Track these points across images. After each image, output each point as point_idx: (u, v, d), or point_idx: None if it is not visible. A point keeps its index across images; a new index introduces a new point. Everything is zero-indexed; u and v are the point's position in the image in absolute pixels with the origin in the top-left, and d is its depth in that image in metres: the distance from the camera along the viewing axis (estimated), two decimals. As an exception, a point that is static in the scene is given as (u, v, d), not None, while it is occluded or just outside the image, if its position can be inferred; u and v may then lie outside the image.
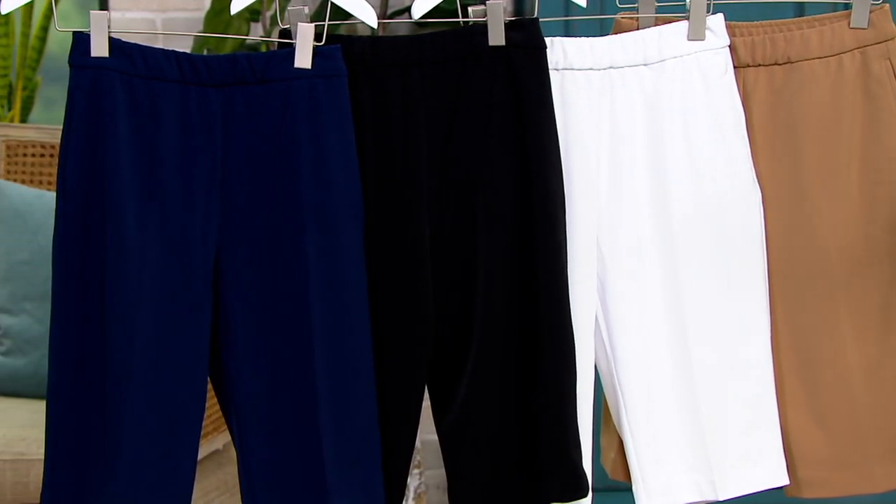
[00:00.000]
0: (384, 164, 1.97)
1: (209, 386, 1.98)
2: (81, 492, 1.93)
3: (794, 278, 2.07)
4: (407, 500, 3.23)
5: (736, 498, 2.07)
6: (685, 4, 2.04)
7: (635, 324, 2.04)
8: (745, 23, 2.09)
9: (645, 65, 2.04)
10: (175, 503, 1.95)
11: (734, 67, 2.06)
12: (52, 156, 3.28)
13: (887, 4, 2.09)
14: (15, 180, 3.27)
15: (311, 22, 1.95)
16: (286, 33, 1.96)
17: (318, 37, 1.94)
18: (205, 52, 3.26)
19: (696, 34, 2.04)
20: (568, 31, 3.23)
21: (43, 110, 3.76)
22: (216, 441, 3.01)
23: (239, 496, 2.00)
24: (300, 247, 1.93)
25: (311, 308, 1.93)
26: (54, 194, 1.95)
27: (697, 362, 2.04)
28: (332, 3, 1.97)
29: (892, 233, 2.08)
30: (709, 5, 2.04)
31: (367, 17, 1.99)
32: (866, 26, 2.07)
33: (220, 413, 2.04)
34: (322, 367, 1.93)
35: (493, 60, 1.97)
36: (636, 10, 2.07)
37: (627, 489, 2.08)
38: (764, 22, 2.10)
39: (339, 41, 1.97)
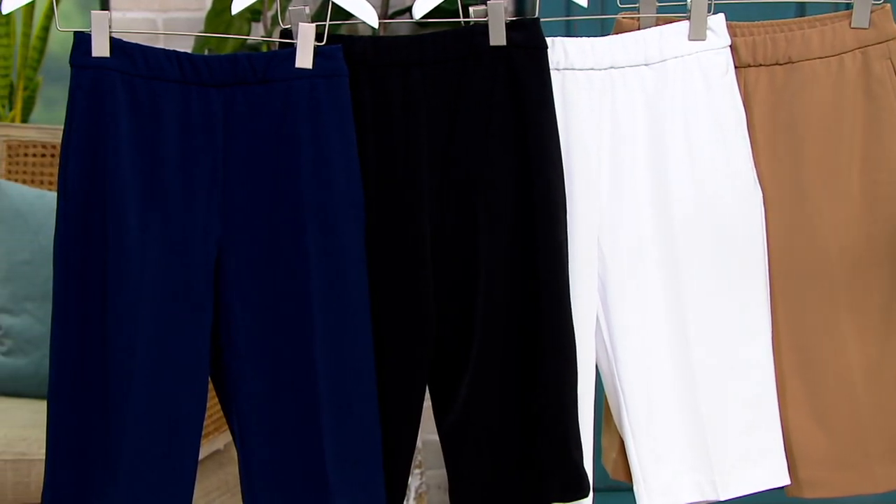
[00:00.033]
0: (385, 164, 1.97)
1: (210, 386, 1.98)
2: (82, 492, 1.93)
3: (794, 278, 2.07)
4: (408, 500, 3.23)
5: (737, 498, 2.07)
6: (686, 4, 2.04)
7: (636, 324, 2.04)
8: (746, 23, 2.09)
9: (646, 65, 2.04)
10: (176, 503, 1.95)
11: (735, 67, 2.06)
12: (53, 156, 3.28)
13: (888, 4, 2.09)
14: (16, 180, 3.27)
15: (312, 22, 1.95)
16: (287, 33, 1.96)
17: (319, 37, 1.94)
18: (206, 52, 3.26)
19: (697, 34, 2.04)
20: (569, 31, 3.23)
21: (44, 110, 3.76)
22: (217, 441, 3.01)
23: (240, 496, 2.01)
24: (301, 247, 1.93)
25: (312, 308, 1.93)
26: (55, 194, 1.95)
27: (698, 362, 2.04)
28: (333, 3, 1.97)
29: (894, 233, 2.08)
30: (710, 5, 2.04)
31: (368, 17, 1.99)
32: (867, 26, 2.07)
33: (221, 413, 2.04)
34: (323, 367, 1.93)
35: (494, 60, 1.97)
36: (637, 10, 2.07)
37: (628, 489, 2.08)
38: (765, 22, 2.10)
39: (340, 41, 1.97)
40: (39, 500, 2.00)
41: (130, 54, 1.92)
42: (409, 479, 2.09)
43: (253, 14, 3.37)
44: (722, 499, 2.06)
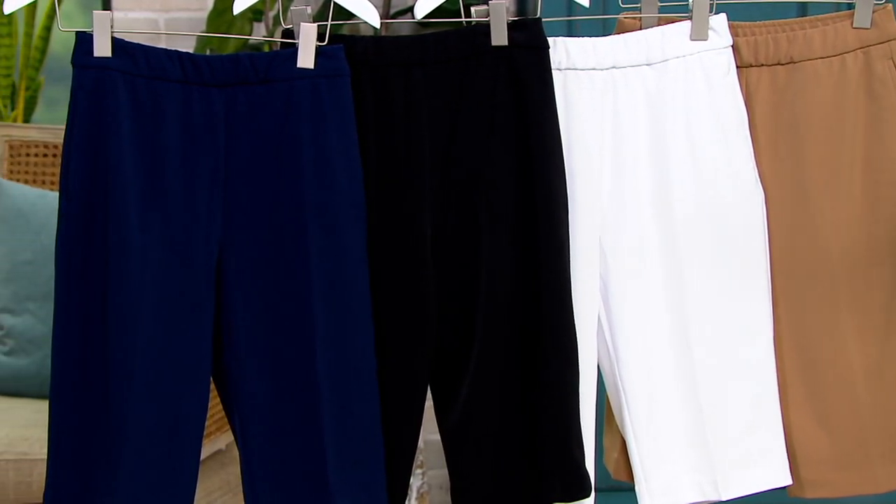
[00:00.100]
0: (387, 164, 1.97)
1: (212, 386, 1.98)
2: (84, 491, 1.93)
3: (796, 278, 2.07)
4: (409, 501, 3.23)
5: (738, 498, 2.07)
6: (688, 4, 2.04)
7: (638, 324, 2.04)
8: (747, 23, 2.09)
9: (648, 65, 2.04)
10: (178, 503, 1.95)
11: (737, 67, 2.06)
12: (55, 156, 3.28)
13: (890, 4, 2.09)
14: (18, 180, 3.27)
15: (314, 22, 1.95)
16: (289, 33, 1.97)
17: (320, 37, 1.94)
18: (207, 52, 3.26)
19: (699, 34, 2.04)
20: (571, 31, 3.23)
21: (46, 110, 3.77)
22: (219, 441, 3.01)
23: (241, 496, 2.01)
24: (302, 247, 1.93)
25: (314, 308, 1.93)
26: (57, 194, 1.95)
27: (700, 362, 2.04)
28: (334, 2, 1.97)
29: (895, 232, 2.08)
30: (712, 5, 2.04)
31: (370, 16, 1.99)
32: (869, 26, 2.07)
33: (223, 413, 2.04)
34: (324, 367, 1.93)
35: (495, 60, 1.97)
36: (639, 9, 2.07)
37: (630, 489, 2.08)
38: (767, 22, 2.10)
39: (342, 41, 1.97)
40: (41, 500, 2.00)
41: (132, 54, 1.92)
42: (411, 479, 2.08)
43: (255, 14, 3.37)
44: (723, 499, 2.06)
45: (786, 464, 2.07)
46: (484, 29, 1.97)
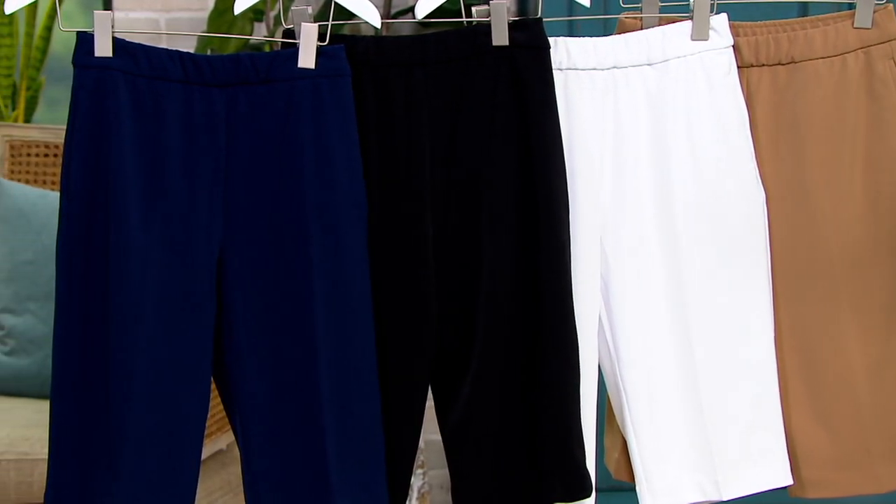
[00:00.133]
0: (387, 163, 1.97)
1: (213, 386, 1.98)
2: (85, 491, 1.93)
3: (797, 278, 2.07)
4: (410, 500, 3.23)
5: (739, 498, 2.07)
6: (689, 4, 2.04)
7: (639, 323, 2.04)
8: (748, 23, 2.09)
9: (648, 65, 2.04)
10: (178, 503, 1.95)
11: (738, 67, 2.06)
12: (55, 156, 3.28)
13: (891, 4, 2.09)
14: (19, 180, 3.27)
15: (315, 22, 1.95)
16: (290, 33, 1.97)
17: (321, 37, 1.94)
18: (208, 52, 3.26)
19: (700, 34, 2.04)
20: (571, 30, 3.23)
21: (47, 110, 3.77)
22: (220, 441, 3.01)
23: (242, 496, 2.01)
24: (303, 247, 1.93)
25: (315, 308, 1.93)
26: (58, 194, 1.95)
27: (700, 362, 2.04)
28: (335, 2, 1.97)
29: (896, 233, 2.09)
30: (712, 5, 2.04)
31: (371, 16, 1.99)
32: (870, 26, 2.07)
33: (224, 413, 2.04)
34: (325, 366, 1.93)
35: (496, 60, 1.97)
36: (640, 9, 2.07)
37: (631, 489, 2.08)
38: (768, 22, 2.10)
39: (343, 41, 1.97)
40: (42, 500, 2.00)
41: (133, 54, 1.92)
42: (412, 478, 2.08)
43: (255, 14, 3.37)
44: (724, 499, 2.06)
45: (787, 464, 2.07)
46: (485, 29, 1.97)
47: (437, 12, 2.02)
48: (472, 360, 1.98)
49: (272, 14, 3.30)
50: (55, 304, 1.93)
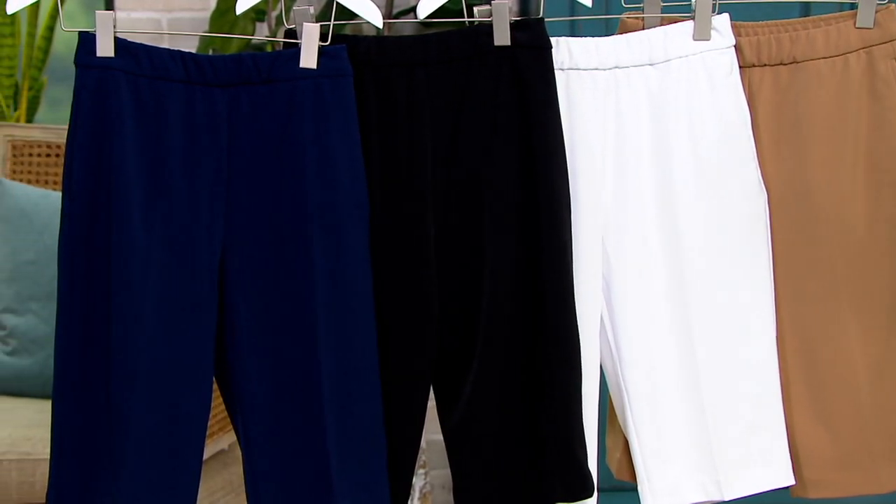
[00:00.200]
0: (389, 163, 1.97)
1: (215, 386, 1.98)
2: (87, 491, 1.93)
3: (799, 278, 2.07)
4: (412, 500, 3.23)
5: (741, 498, 2.07)
6: (691, 4, 2.04)
7: (640, 323, 2.04)
8: (750, 23, 2.09)
9: (650, 65, 2.04)
10: (180, 503, 1.96)
11: (740, 67, 2.06)
12: (57, 156, 3.28)
13: (892, 4, 2.09)
14: (21, 180, 3.27)
15: (317, 22, 1.95)
16: (291, 33, 1.96)
17: (323, 37, 1.94)
18: (210, 52, 3.27)
19: (702, 34, 2.04)
20: (573, 31, 3.23)
21: (49, 110, 3.77)
22: (221, 441, 3.01)
23: (244, 496, 2.01)
24: (305, 247, 1.93)
25: (316, 308, 1.93)
26: (60, 194, 1.95)
27: (702, 362, 2.04)
28: (337, 2, 1.97)
29: (898, 233, 2.09)
30: (714, 5, 2.04)
31: (373, 16, 1.99)
32: (872, 26, 2.07)
33: (226, 413, 2.04)
34: (327, 366, 1.93)
35: (498, 60, 1.97)
36: (642, 9, 2.07)
37: (633, 489, 2.08)
38: (769, 22, 2.10)
39: (345, 41, 1.97)
40: (44, 500, 2.00)
41: (135, 54, 1.92)
42: (414, 478, 2.08)
43: (257, 14, 3.37)
44: (726, 499, 2.06)
45: (788, 464, 2.07)
46: (486, 29, 1.97)
47: (438, 12, 2.02)
48: (473, 360, 1.98)
49: (274, 14, 3.30)
50: (57, 304, 1.93)
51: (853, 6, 2.08)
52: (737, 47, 2.06)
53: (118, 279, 1.90)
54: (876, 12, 2.07)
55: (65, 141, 1.94)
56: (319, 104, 1.93)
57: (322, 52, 1.94)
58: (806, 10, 3.10)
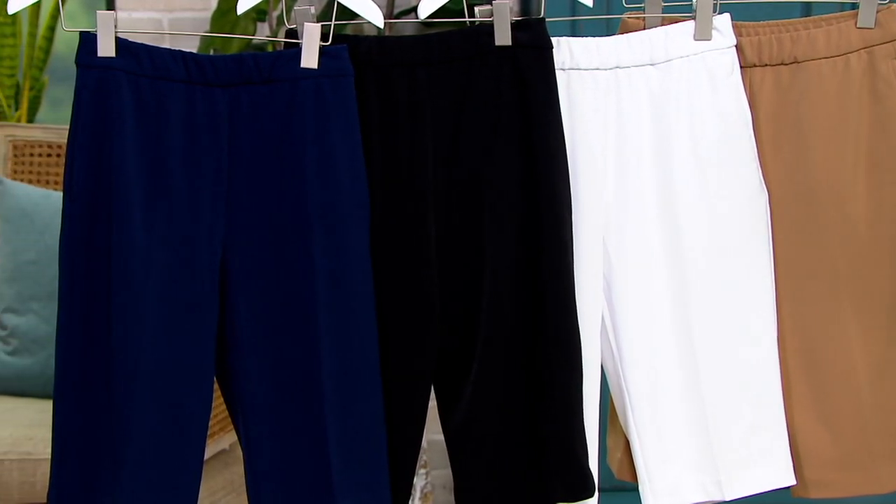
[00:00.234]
0: (390, 164, 1.97)
1: (215, 386, 1.98)
2: (88, 491, 1.93)
3: (800, 278, 2.07)
4: (413, 500, 3.23)
5: (742, 498, 2.07)
6: (692, 4, 2.04)
7: (641, 324, 2.04)
8: (751, 23, 2.09)
9: (651, 64, 2.04)
10: (181, 502, 1.96)
11: (741, 67, 2.06)
12: (58, 156, 3.28)
13: (894, 4, 2.09)
14: (22, 180, 3.27)
15: (318, 22, 1.95)
16: (292, 33, 1.96)
17: (324, 37, 1.94)
18: (211, 52, 3.27)
19: (703, 34, 2.04)
20: (574, 30, 3.23)
21: (50, 110, 3.77)
22: (222, 441, 3.01)
23: (245, 496, 2.01)
24: (306, 247, 1.93)
25: (317, 308, 1.93)
26: (61, 194, 1.95)
27: (703, 362, 2.04)
28: (338, 2, 1.97)
29: (899, 233, 2.08)
30: (715, 5, 2.04)
31: (374, 16, 1.99)
32: (873, 26, 2.07)
33: (227, 413, 2.04)
34: (328, 366, 1.93)
35: (499, 60, 1.97)
36: (643, 9, 2.07)
37: (634, 489, 2.08)
38: (770, 22, 2.10)
39: (346, 41, 1.97)
40: (45, 500, 2.00)
41: (136, 54, 1.92)
42: (415, 478, 2.08)
43: (258, 14, 3.37)
44: (727, 499, 2.06)
45: (789, 464, 2.07)
46: (487, 29, 1.97)
47: (440, 12, 2.02)
48: (474, 360, 1.98)
49: (275, 14, 3.30)
50: (58, 303, 1.93)
51: (854, 6, 2.08)
52: (738, 47, 2.06)
53: (119, 279, 1.90)
54: (877, 12, 2.07)
55: (66, 141, 1.94)
56: (320, 104, 1.93)
57: (323, 52, 1.94)
58: (807, 10, 3.10)
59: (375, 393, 1.96)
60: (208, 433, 1.98)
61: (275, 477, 1.95)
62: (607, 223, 2.04)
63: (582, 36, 2.04)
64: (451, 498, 3.10)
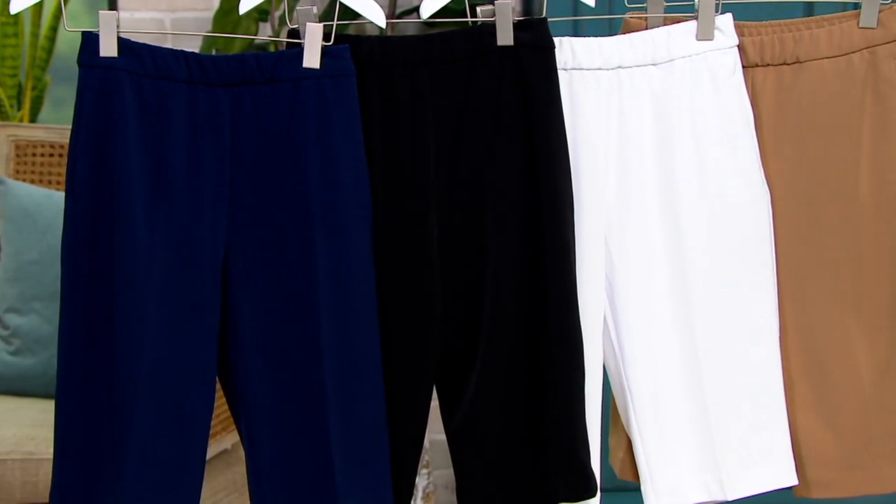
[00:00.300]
0: (392, 163, 1.97)
1: (217, 385, 1.98)
2: (90, 491, 1.93)
3: (802, 278, 2.07)
4: (415, 500, 3.23)
5: (744, 498, 2.07)
6: (694, 4, 2.04)
7: (643, 323, 2.04)
8: (753, 22, 2.09)
9: (653, 64, 2.04)
10: (183, 502, 1.96)
11: (743, 67, 2.06)
12: (61, 156, 3.28)
13: (896, 4, 2.09)
14: (24, 180, 3.27)
15: (320, 22, 1.95)
16: (295, 33, 1.97)
17: (326, 36, 1.94)
18: (213, 52, 3.27)
19: (705, 34, 2.04)
20: (576, 30, 3.23)
21: (52, 110, 3.77)
22: (225, 441, 3.01)
23: (247, 496, 2.01)
24: (308, 247, 1.93)
25: (319, 308, 1.93)
26: (63, 194, 1.95)
27: (705, 362, 2.04)
28: (340, 2, 1.97)
29: (901, 233, 2.08)
30: (717, 5, 2.04)
31: (376, 16, 1.99)
32: (875, 26, 2.07)
33: (229, 412, 2.04)
34: (330, 366, 1.93)
35: (501, 60, 1.97)
36: (645, 9, 2.07)
37: (636, 489, 2.08)
38: (773, 21, 2.10)
39: (348, 41, 1.97)
40: (47, 500, 2.00)
41: (138, 54, 1.92)
42: (417, 478, 2.08)
43: (260, 14, 3.37)
44: (729, 498, 2.06)
45: (792, 464, 2.07)
46: (489, 29, 1.97)
47: (441, 12, 2.02)
48: (476, 360, 1.98)
49: (277, 14, 3.30)
50: (60, 303, 1.93)
51: (856, 6, 2.08)
52: (740, 47, 2.06)
53: (121, 279, 1.90)
54: (879, 12, 2.07)
55: (68, 141, 1.94)
56: (322, 104, 1.93)
57: (325, 51, 1.94)
58: (809, 10, 3.10)
59: (377, 393, 1.96)
60: (210, 433, 1.98)
61: (277, 477, 1.95)
62: (609, 223, 2.04)
63: (584, 36, 2.04)
64: (453, 498, 3.10)
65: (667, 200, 2.04)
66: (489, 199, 1.97)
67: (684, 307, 2.04)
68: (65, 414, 1.93)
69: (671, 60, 2.04)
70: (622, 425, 2.10)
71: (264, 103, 1.94)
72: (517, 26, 1.97)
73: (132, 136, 1.91)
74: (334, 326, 1.93)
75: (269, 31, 3.40)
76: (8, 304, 3.02)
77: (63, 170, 3.22)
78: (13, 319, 3.02)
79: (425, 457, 3.21)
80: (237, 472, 3.05)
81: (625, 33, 2.07)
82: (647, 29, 2.06)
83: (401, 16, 3.40)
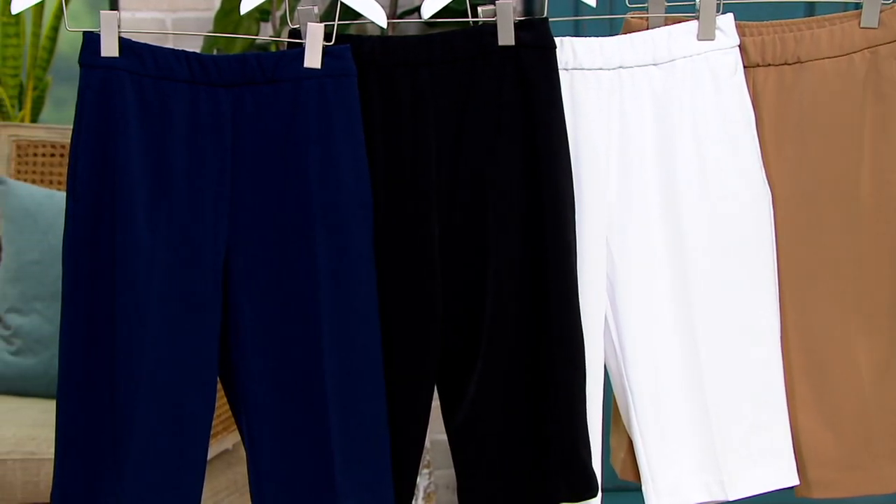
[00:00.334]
0: (393, 163, 1.97)
1: (219, 386, 1.98)
2: (91, 491, 1.93)
3: (803, 278, 2.07)
4: (416, 500, 3.23)
5: (745, 498, 2.07)
6: (695, 4, 2.04)
7: (644, 323, 2.04)
8: (755, 22, 2.09)
9: (655, 64, 2.04)
10: (184, 502, 1.96)
11: (744, 67, 2.06)
12: (62, 156, 3.29)
13: (897, 4, 2.09)
14: (25, 180, 3.28)
15: (321, 22, 1.95)
16: (296, 33, 1.97)
17: (327, 36, 1.94)
18: (215, 52, 3.27)
19: (706, 34, 2.04)
20: (578, 30, 3.23)
21: (53, 110, 3.77)
22: (226, 441, 3.01)
23: (248, 496, 2.01)
24: (309, 247, 1.93)
25: (320, 308, 1.93)
26: (64, 194, 1.95)
27: (706, 362, 2.04)
28: (341, 2, 1.97)
29: (903, 233, 2.08)
30: (719, 5, 2.04)
31: (377, 16, 1.99)
32: (876, 26, 2.07)
33: (230, 413, 2.04)
34: (331, 366, 1.93)
35: (502, 60, 1.97)
36: (646, 9, 2.07)
37: (637, 489, 2.08)
38: (774, 22, 2.10)
39: (349, 41, 1.97)
40: (48, 500, 2.00)
41: (139, 54, 1.93)
42: (418, 478, 2.08)
43: (262, 14, 3.37)
44: (730, 499, 2.06)
45: (793, 464, 2.07)
46: (491, 29, 1.97)
47: (443, 12, 2.02)
48: (477, 360, 1.98)
49: (278, 14, 3.30)
50: (61, 304, 1.93)
51: (857, 6, 2.08)
52: (741, 47, 2.06)
53: (122, 279, 1.90)
54: (881, 12, 2.07)
55: (69, 141, 1.94)
56: (323, 104, 1.93)
57: (326, 51, 1.94)
58: (810, 10, 3.10)
59: (379, 393, 1.96)
60: (211, 433, 1.98)
61: (278, 477, 1.95)
62: (610, 223, 2.04)
63: (585, 36, 2.04)
64: (454, 498, 3.10)
65: (668, 200, 2.04)
66: (490, 200, 1.97)
67: (685, 307, 2.04)
68: (66, 414, 1.93)
69: (672, 60, 2.04)
70: (623, 425, 2.10)
71: (265, 103, 1.94)
72: (518, 26, 1.97)
73: (133, 136, 1.91)
74: (335, 326, 1.93)
75: (271, 31, 3.40)
76: (9, 304, 3.03)
77: (64, 170, 3.22)
78: (14, 319, 3.02)
79: (426, 457, 3.21)
80: (238, 472, 3.05)
81: (626, 33, 2.07)
82: (648, 29, 2.06)
83: (402, 16, 3.40)
